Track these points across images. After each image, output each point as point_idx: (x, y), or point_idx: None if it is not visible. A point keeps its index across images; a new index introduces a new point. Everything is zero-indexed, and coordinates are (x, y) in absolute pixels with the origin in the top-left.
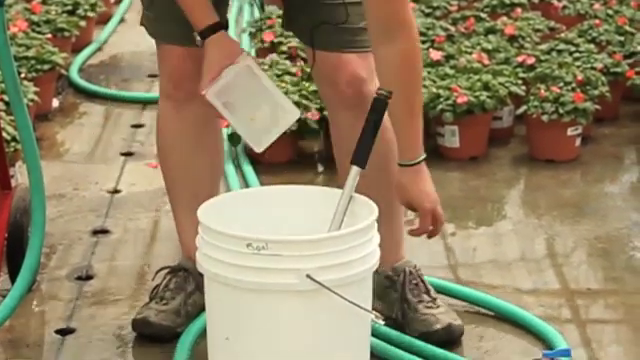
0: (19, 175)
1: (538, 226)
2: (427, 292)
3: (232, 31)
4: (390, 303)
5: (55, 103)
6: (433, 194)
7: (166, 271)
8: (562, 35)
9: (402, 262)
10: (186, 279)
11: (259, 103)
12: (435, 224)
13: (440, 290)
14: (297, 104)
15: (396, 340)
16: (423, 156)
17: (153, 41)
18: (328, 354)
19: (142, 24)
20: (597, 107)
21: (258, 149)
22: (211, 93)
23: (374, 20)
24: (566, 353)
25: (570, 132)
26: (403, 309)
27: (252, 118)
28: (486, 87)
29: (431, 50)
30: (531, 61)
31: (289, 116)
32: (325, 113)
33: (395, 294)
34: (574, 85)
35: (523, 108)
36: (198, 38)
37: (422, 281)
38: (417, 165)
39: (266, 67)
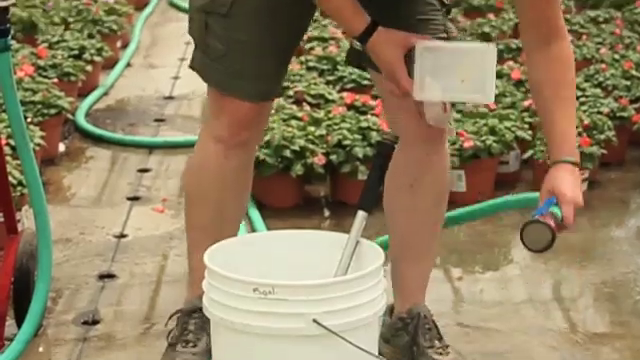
0: (26, 219)
1: (545, 270)
2: (439, 338)
3: None
4: (399, 347)
5: (61, 147)
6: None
7: (179, 315)
8: None
9: (418, 305)
10: (203, 319)
11: (458, 65)
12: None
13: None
14: (303, 149)
15: None
16: (576, 160)
17: (159, 85)
18: None
19: (194, 68)
20: (603, 151)
21: (490, 99)
22: (434, 89)
23: (530, 25)
24: (551, 200)
25: None
26: (413, 353)
27: (462, 80)
28: (492, 132)
29: None
30: None
31: (488, 55)
32: (332, 158)
33: (406, 337)
34: (580, 130)
35: (530, 152)
36: (356, 44)
37: (435, 326)
38: (575, 166)
39: (272, 112)
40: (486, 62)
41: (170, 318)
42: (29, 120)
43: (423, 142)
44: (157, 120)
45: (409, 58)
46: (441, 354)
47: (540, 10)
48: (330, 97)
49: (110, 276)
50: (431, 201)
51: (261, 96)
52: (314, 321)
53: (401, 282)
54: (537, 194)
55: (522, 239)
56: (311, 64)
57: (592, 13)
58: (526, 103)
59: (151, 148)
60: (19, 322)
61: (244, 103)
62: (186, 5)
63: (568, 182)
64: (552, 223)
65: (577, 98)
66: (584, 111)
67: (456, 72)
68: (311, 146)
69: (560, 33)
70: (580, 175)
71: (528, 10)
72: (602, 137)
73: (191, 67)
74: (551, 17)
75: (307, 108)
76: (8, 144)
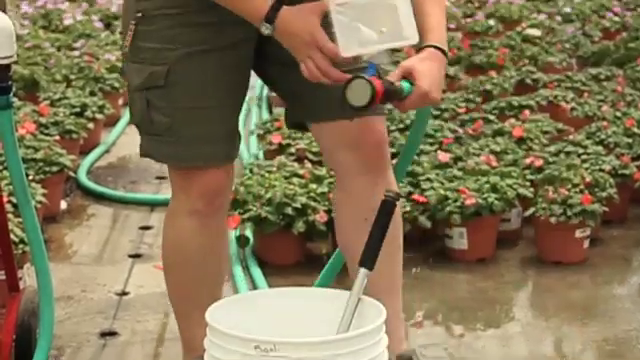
0: (27, 277)
1: (546, 328)
2: None
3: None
4: None
5: (63, 205)
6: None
7: None
8: (570, 137)
9: (405, 354)
10: None
11: (374, 15)
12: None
13: None
14: (305, 206)
15: None
16: (446, 50)
17: None
18: None
19: (146, 154)
20: (605, 209)
21: (414, 40)
22: (358, 44)
23: None
24: (373, 67)
25: (578, 234)
26: None
27: (382, 30)
28: (494, 189)
29: (439, 152)
30: (539, 163)
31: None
32: (333, 215)
33: None
34: (582, 187)
35: (531, 210)
36: (265, 28)
37: None
38: (442, 53)
39: (274, 169)
40: (400, 6)
41: None
42: (31, 178)
43: (366, 173)
44: (158, 178)
45: (326, 25)
46: None
47: None
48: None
49: (112, 334)
50: (393, 231)
51: (224, 157)
52: None
53: None
54: None
55: (345, 95)
56: None
57: (594, 71)
58: (527, 160)
59: (152, 205)
60: None
61: (210, 170)
62: None
63: (428, 64)
64: (378, 84)
65: (579, 155)
66: (586, 169)
67: (374, 23)
68: (313, 203)
69: None
70: (444, 62)
71: None
72: (604, 195)
73: (142, 155)
74: None
75: (308, 165)
76: (10, 202)
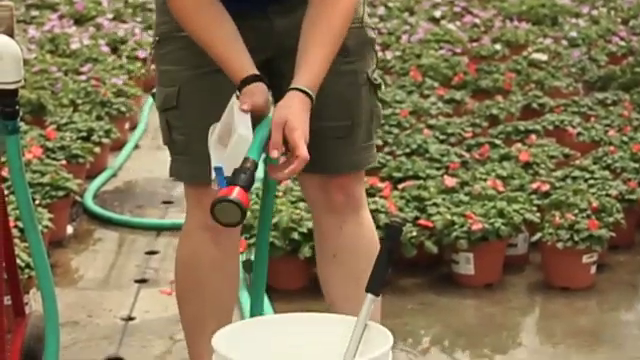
0: (33, 302)
1: (554, 355)
2: None
3: None
4: None
5: (69, 229)
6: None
7: None
8: (577, 162)
9: None
10: None
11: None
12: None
13: None
14: (311, 231)
15: None
16: (313, 92)
17: (166, 168)
18: None
19: (172, 174)
20: (612, 234)
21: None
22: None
23: None
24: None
25: (585, 259)
26: None
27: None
28: (501, 214)
29: (445, 177)
30: (546, 188)
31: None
32: None
33: None
34: (589, 212)
35: (538, 235)
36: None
37: None
38: (304, 95)
39: (280, 194)
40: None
41: None
42: (37, 202)
43: (331, 213)
44: (165, 202)
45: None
46: None
47: None
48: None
49: (118, 359)
50: (358, 270)
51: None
52: None
53: None
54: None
55: (216, 218)
56: None
57: (600, 95)
58: (534, 185)
59: (159, 230)
60: None
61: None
62: None
63: (297, 112)
64: (239, 194)
65: (585, 180)
66: (593, 193)
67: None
68: None
69: None
70: (309, 105)
71: None
72: (611, 220)
73: (170, 176)
74: None
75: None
76: (16, 226)
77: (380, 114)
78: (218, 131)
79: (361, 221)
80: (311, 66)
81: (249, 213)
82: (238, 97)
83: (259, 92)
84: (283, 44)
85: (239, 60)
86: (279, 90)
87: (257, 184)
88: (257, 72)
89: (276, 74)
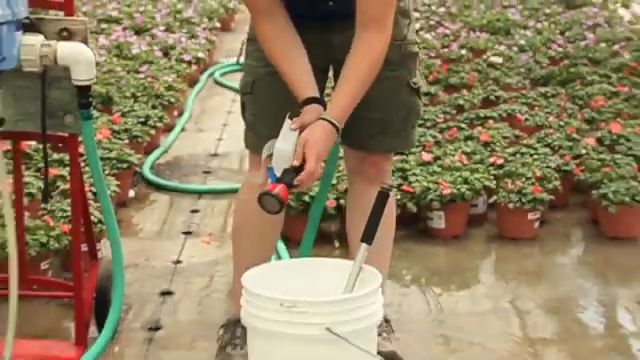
0: (104, 249)
1: (505, 289)
2: (387, 330)
3: None
4: None
5: (131, 193)
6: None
7: (228, 324)
8: (524, 141)
9: None
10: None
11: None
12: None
13: None
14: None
15: None
16: (338, 124)
17: (206, 145)
18: None
19: (245, 145)
20: (551, 197)
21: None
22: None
23: (360, 11)
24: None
25: (530, 217)
26: None
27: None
28: (465, 181)
29: (423, 153)
30: (500, 161)
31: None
32: (341, 202)
33: None
34: (533, 180)
35: (494, 198)
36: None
37: (386, 321)
38: (331, 125)
39: None
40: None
41: (221, 327)
42: (106, 172)
43: (363, 180)
44: (205, 172)
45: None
46: (386, 340)
47: (371, 4)
48: (340, 155)
49: (169, 293)
50: (386, 222)
51: None
52: (327, 329)
53: None
54: None
55: (262, 206)
56: None
57: (542, 89)
58: (491, 159)
59: (200, 194)
60: (100, 328)
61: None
62: (227, 83)
63: (319, 138)
64: (280, 190)
65: (531, 155)
66: (536, 165)
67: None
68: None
69: (380, 25)
70: (334, 135)
71: (362, 1)
72: (550, 186)
73: (245, 146)
74: (379, 14)
75: (322, 164)
76: (90, 191)
77: (418, 111)
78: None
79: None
80: (340, 102)
81: None
82: (290, 117)
83: (311, 112)
84: (338, 55)
85: (303, 83)
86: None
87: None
88: (316, 94)
89: (333, 78)
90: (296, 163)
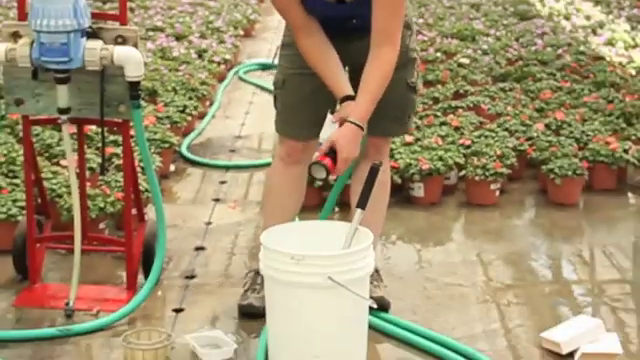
0: (149, 213)
1: (473, 245)
2: (377, 279)
3: None
4: None
5: (172, 168)
6: (349, 149)
7: (251, 273)
8: (487, 126)
9: None
10: None
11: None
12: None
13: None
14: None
15: (382, 317)
16: (362, 124)
17: (232, 130)
18: (341, 326)
19: (275, 128)
20: (509, 171)
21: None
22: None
23: (375, 30)
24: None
25: (492, 187)
26: None
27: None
28: (440, 159)
29: (406, 135)
30: (468, 142)
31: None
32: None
33: None
34: (495, 157)
35: (463, 172)
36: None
37: (376, 271)
38: (355, 126)
39: None
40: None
41: (246, 275)
42: (152, 150)
43: (365, 159)
44: (231, 151)
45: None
46: (376, 287)
47: (383, 22)
48: None
49: (202, 248)
50: (380, 192)
51: (302, 138)
52: (329, 278)
53: None
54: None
55: (310, 174)
56: None
57: (502, 84)
58: (461, 141)
59: (227, 168)
60: (146, 276)
61: (291, 141)
62: (249, 79)
63: (347, 137)
64: (328, 161)
65: (492, 137)
66: (497, 146)
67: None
68: None
69: (391, 42)
70: (360, 133)
71: (376, 20)
72: (508, 162)
73: (277, 130)
74: (389, 30)
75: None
76: (139, 165)
77: (414, 104)
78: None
79: (383, 168)
80: (362, 107)
81: None
82: (332, 112)
83: (348, 108)
84: (354, 59)
85: (340, 84)
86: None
87: None
88: (351, 92)
89: (351, 79)
90: (317, 155)
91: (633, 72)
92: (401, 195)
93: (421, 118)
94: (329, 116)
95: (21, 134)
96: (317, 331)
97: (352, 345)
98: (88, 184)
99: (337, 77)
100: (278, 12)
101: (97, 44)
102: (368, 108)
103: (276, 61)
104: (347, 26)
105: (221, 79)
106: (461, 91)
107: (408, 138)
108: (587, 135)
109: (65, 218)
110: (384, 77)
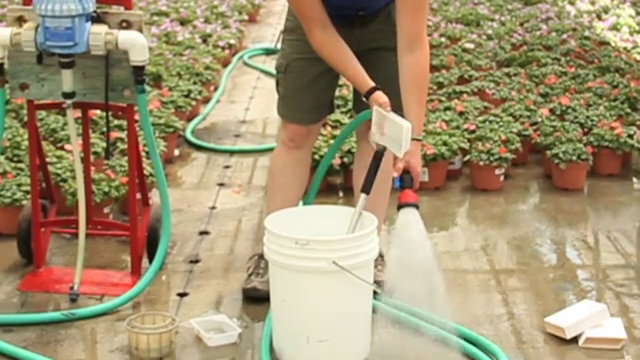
0: (154, 197)
1: (477, 230)
2: (382, 263)
3: None
4: None
5: (176, 152)
6: (420, 163)
7: (255, 257)
8: (492, 111)
9: None
10: None
11: (386, 125)
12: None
13: None
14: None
15: (385, 302)
16: (423, 135)
17: (236, 114)
18: (345, 311)
19: (278, 112)
20: (513, 156)
21: (399, 155)
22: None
23: (403, 35)
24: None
25: (497, 172)
26: None
27: (383, 134)
28: (445, 144)
29: None
30: (473, 127)
31: (404, 129)
32: (344, 159)
33: None
34: (499, 142)
35: (468, 157)
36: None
37: (380, 256)
38: (419, 141)
39: None
40: (402, 132)
41: (249, 259)
42: (156, 135)
43: (366, 141)
44: (235, 135)
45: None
46: (381, 271)
47: (410, 25)
48: (343, 121)
49: (206, 233)
50: (384, 176)
51: (305, 122)
52: (333, 262)
53: None
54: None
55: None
56: None
57: (506, 70)
58: (466, 126)
59: (232, 153)
60: (150, 260)
61: (293, 125)
62: (253, 64)
63: (416, 156)
64: (412, 195)
65: (497, 122)
66: (502, 131)
67: (384, 128)
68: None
69: (422, 43)
70: (421, 146)
71: (402, 26)
72: (513, 147)
73: (279, 113)
74: (418, 32)
75: (329, 128)
76: (144, 150)
77: None
78: (374, 129)
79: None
80: (418, 121)
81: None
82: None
83: (381, 96)
84: (360, 46)
85: (361, 77)
86: None
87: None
88: (372, 83)
89: None
90: (395, 174)
91: (638, 57)
92: None
93: (426, 103)
94: (376, 109)
95: (26, 118)
96: (321, 315)
97: (356, 329)
98: (93, 168)
99: (357, 70)
100: (293, 6)
101: (102, 29)
102: (422, 118)
103: (279, 46)
104: (353, 16)
105: (225, 64)
106: (465, 76)
107: None
108: (592, 120)
109: (70, 202)
110: (425, 78)
